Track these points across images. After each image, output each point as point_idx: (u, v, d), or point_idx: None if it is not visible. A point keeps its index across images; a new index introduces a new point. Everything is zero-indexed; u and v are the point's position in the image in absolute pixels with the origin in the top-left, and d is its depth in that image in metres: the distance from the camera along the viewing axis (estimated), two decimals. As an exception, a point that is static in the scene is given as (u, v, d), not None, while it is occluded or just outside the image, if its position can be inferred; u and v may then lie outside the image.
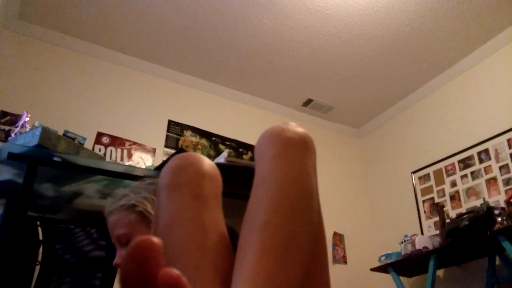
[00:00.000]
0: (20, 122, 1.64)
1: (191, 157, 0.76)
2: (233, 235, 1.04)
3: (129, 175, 1.41)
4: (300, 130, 0.69)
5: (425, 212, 3.50)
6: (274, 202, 0.58)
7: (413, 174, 3.71)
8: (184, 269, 0.63)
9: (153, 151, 3.25)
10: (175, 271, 0.29)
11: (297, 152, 0.65)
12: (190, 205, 0.69)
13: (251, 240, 0.55)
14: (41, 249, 1.56)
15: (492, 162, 3.08)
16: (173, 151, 3.29)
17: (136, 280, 0.29)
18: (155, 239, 0.29)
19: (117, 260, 0.99)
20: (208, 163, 0.77)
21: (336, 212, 3.88)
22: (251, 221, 0.59)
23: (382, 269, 3.11)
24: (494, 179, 3.03)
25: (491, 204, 2.70)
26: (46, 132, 1.33)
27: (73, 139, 1.63)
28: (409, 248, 2.92)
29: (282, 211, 0.57)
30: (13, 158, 1.26)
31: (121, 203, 1.01)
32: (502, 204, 2.80)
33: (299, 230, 0.57)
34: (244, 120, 3.86)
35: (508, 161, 2.98)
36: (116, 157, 3.05)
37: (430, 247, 2.84)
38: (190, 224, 0.67)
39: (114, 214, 1.01)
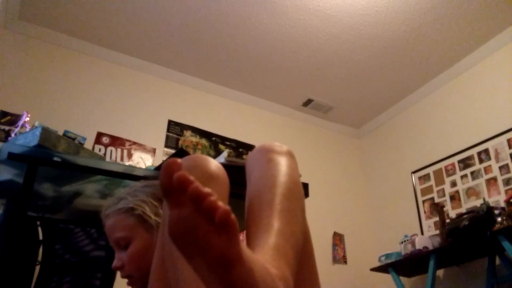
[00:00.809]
0: (20, 122, 1.64)
1: (198, 159, 0.78)
2: None
3: (129, 175, 1.41)
4: (283, 145, 0.89)
5: (425, 212, 3.50)
6: (274, 188, 0.74)
7: (413, 174, 3.71)
8: (189, 270, 0.63)
9: (153, 151, 3.24)
10: (182, 173, 0.42)
11: (285, 158, 0.83)
12: None
13: (261, 211, 0.70)
14: (41, 249, 1.56)
15: (492, 162, 3.08)
16: (173, 151, 3.29)
17: (168, 186, 0.42)
18: (178, 160, 0.42)
19: (116, 263, 0.98)
20: (215, 165, 0.79)
21: (336, 212, 3.88)
22: (257, 202, 0.73)
23: (382, 269, 3.11)
24: (494, 179, 3.03)
25: (491, 204, 2.70)
26: (46, 132, 1.33)
27: (73, 139, 1.63)
28: (409, 248, 2.92)
29: (281, 193, 0.73)
30: (13, 158, 1.26)
31: (119, 206, 1.00)
32: (502, 204, 2.80)
33: (294, 206, 0.73)
34: (244, 120, 3.86)
35: (508, 161, 2.98)
36: (116, 157, 3.05)
37: (430, 247, 2.84)
38: None
39: (111, 217, 1.00)
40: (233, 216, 0.41)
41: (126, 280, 1.00)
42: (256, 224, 0.68)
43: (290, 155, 0.86)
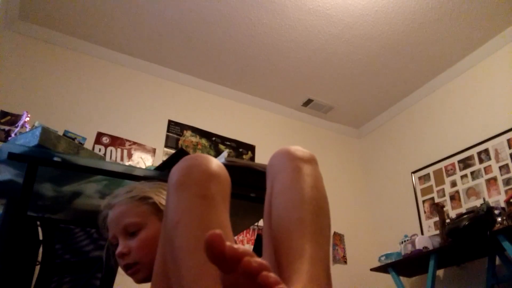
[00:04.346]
0: (20, 122, 1.64)
1: (200, 158, 0.79)
2: None
3: (129, 175, 1.41)
4: (306, 150, 0.88)
5: (425, 212, 3.50)
6: (304, 204, 0.74)
7: (413, 174, 3.71)
8: (189, 267, 0.64)
9: (153, 151, 3.25)
10: (231, 247, 0.43)
11: (311, 166, 0.83)
12: (196, 204, 0.71)
13: (292, 232, 0.70)
14: (41, 249, 1.56)
15: (492, 162, 3.08)
16: (173, 151, 3.29)
17: (218, 259, 0.43)
18: (218, 232, 0.43)
19: (122, 249, 0.96)
20: (216, 164, 0.79)
21: (336, 212, 3.87)
22: (286, 217, 0.73)
23: (382, 269, 3.11)
24: (494, 179, 3.03)
25: (491, 204, 2.70)
26: (46, 132, 1.33)
27: (73, 139, 1.63)
28: (409, 248, 2.92)
29: (311, 210, 0.73)
30: (13, 158, 1.26)
31: (132, 194, 1.00)
32: (502, 204, 2.80)
33: (324, 224, 0.74)
34: (244, 120, 3.86)
35: (508, 161, 2.98)
36: (116, 157, 3.05)
37: (430, 247, 2.84)
38: (195, 223, 0.69)
39: (122, 204, 0.99)
40: None
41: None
42: (288, 246, 0.69)
43: (315, 162, 0.85)
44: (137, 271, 0.95)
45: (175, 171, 0.77)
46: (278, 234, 0.73)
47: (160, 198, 1.00)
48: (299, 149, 0.86)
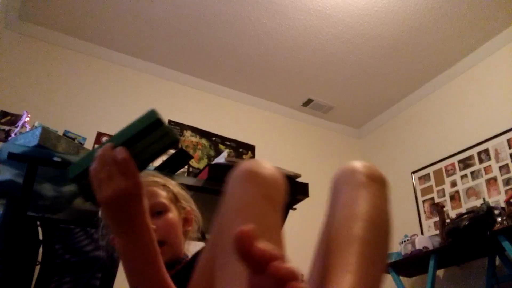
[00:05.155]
0: (20, 122, 1.64)
1: (267, 163, 0.81)
2: None
3: (129, 175, 1.40)
4: (376, 168, 0.84)
5: (425, 212, 3.50)
6: (359, 220, 0.72)
7: (413, 174, 3.71)
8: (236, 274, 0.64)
9: (153, 151, 3.24)
10: (262, 248, 0.40)
11: (376, 185, 0.79)
12: (261, 203, 0.73)
13: (341, 247, 0.69)
14: (41, 249, 1.56)
15: (492, 162, 3.08)
16: (173, 151, 3.29)
17: (248, 257, 0.40)
18: (249, 226, 0.40)
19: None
20: (280, 172, 0.81)
21: (336, 212, 3.88)
22: (339, 233, 0.73)
23: (382, 269, 3.11)
24: (494, 179, 3.03)
25: (491, 204, 2.70)
26: (46, 132, 1.33)
27: (73, 139, 1.63)
28: (409, 248, 2.92)
29: (367, 227, 0.72)
30: (13, 158, 1.26)
31: (155, 179, 1.04)
32: (502, 204, 2.80)
33: (378, 244, 0.72)
34: (244, 120, 3.86)
35: (508, 161, 2.98)
36: (116, 157, 3.04)
37: (430, 247, 2.84)
38: (257, 220, 0.70)
39: (147, 185, 1.00)
40: None
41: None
42: (335, 260, 0.68)
43: (382, 182, 0.82)
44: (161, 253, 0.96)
45: (245, 167, 0.78)
46: (328, 249, 0.73)
47: (176, 189, 1.05)
48: (367, 166, 0.84)
